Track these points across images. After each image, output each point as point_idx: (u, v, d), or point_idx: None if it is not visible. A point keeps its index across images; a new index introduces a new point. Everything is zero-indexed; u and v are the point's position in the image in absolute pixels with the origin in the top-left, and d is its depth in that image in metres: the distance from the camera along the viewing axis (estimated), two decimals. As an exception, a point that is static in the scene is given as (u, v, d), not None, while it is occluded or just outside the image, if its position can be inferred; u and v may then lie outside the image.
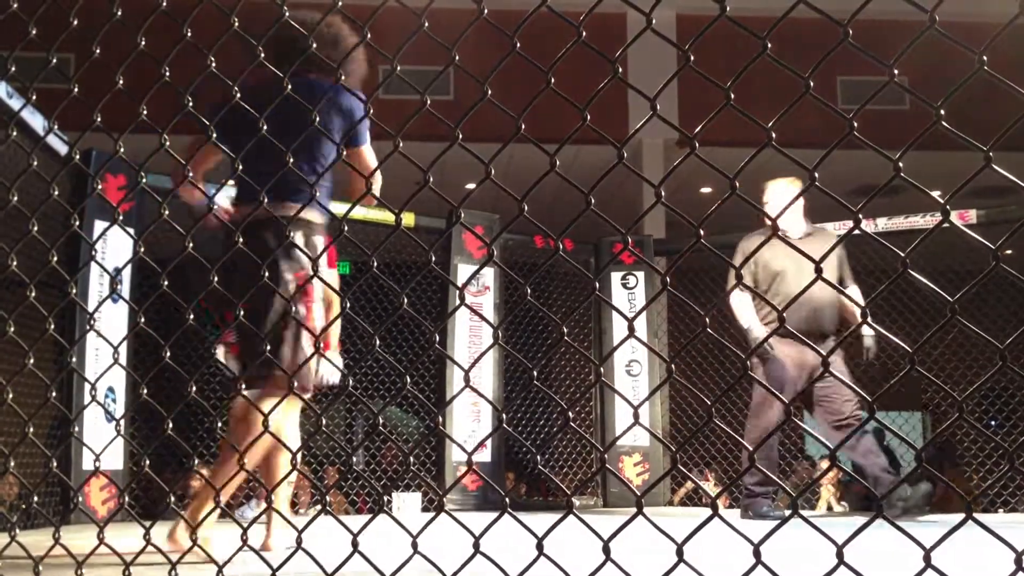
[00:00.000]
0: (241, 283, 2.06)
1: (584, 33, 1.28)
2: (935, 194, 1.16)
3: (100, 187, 4.78)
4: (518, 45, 1.33)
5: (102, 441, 4.74)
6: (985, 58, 1.06)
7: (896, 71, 1.13)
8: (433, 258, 1.44)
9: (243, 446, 2.51)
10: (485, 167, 1.30)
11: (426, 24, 1.42)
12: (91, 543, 1.76)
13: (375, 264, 1.49)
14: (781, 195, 4.77)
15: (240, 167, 2.57)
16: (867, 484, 4.74)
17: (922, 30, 1.09)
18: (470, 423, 6.17)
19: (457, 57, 1.40)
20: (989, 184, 1.13)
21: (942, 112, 1.07)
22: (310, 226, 2.82)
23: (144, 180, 1.80)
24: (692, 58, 1.20)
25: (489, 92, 1.33)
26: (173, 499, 5.53)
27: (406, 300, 1.46)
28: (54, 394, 1.84)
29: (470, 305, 1.45)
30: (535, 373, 1.39)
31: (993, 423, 6.99)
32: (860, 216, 1.11)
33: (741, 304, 4.94)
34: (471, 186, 6.81)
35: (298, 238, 2.74)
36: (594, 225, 1.37)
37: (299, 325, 2.70)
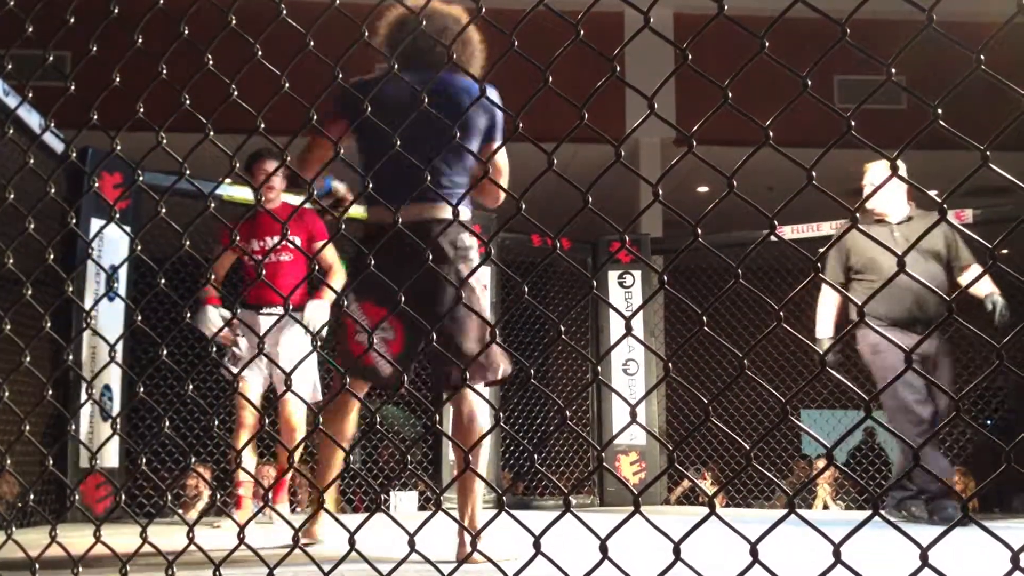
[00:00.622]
0: (415, 284, 2.10)
1: (582, 32, 1.28)
2: (933, 193, 1.16)
3: (96, 185, 4.79)
4: (516, 43, 1.33)
5: (99, 439, 4.73)
6: (983, 57, 1.06)
7: (893, 70, 1.13)
8: (430, 257, 1.44)
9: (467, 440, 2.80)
10: (483, 166, 1.30)
11: (424, 23, 1.41)
12: (88, 541, 1.75)
13: (372, 263, 1.48)
14: (880, 177, 4.42)
15: (365, 164, 2.76)
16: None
17: (920, 29, 1.09)
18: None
19: (455, 55, 1.39)
20: (986, 183, 1.13)
21: (939, 111, 1.07)
22: (465, 225, 2.87)
23: (141, 178, 1.79)
24: (690, 57, 1.20)
25: (488, 92, 1.33)
26: (170, 497, 5.50)
27: (403, 299, 1.46)
28: (50, 392, 1.84)
29: (467, 304, 1.45)
30: (532, 372, 1.39)
31: (989, 422, 7.00)
32: (857, 215, 1.11)
33: (823, 305, 4.81)
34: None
35: (465, 238, 2.79)
36: (592, 224, 1.37)
37: (483, 320, 2.79)
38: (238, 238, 4.31)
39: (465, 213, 2.87)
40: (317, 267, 4.46)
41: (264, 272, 4.22)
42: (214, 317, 4.28)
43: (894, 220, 4.66)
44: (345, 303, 2.81)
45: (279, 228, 4.35)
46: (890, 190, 4.55)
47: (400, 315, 2.48)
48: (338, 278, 4.40)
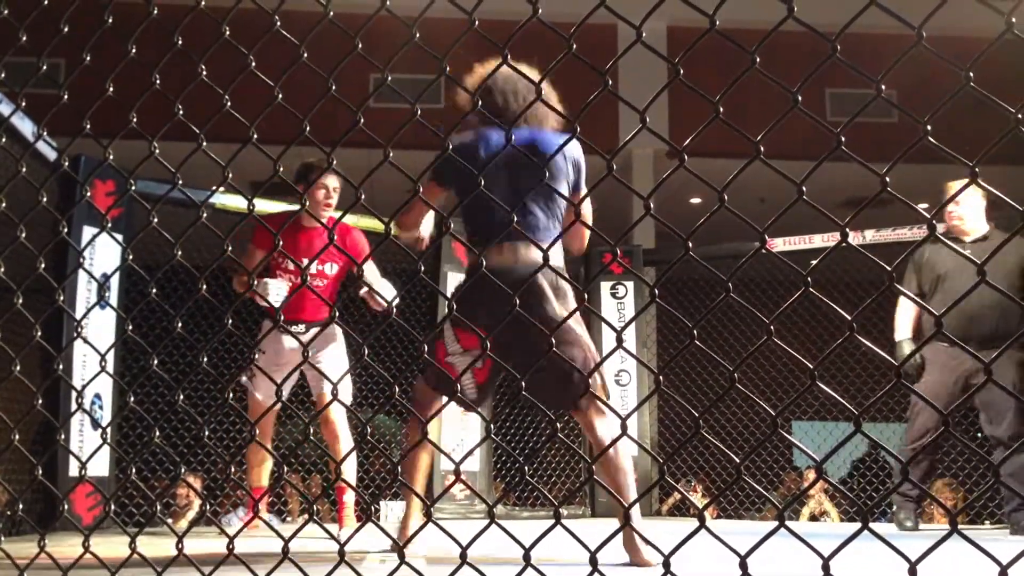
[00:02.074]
0: (515, 319, 2.27)
1: (575, 45, 1.29)
2: (922, 207, 1.17)
3: (88, 193, 4.78)
4: (508, 56, 1.34)
5: (89, 448, 4.71)
6: (972, 74, 1.06)
7: (884, 85, 1.14)
8: (422, 267, 1.44)
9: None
10: (476, 177, 1.31)
11: (417, 35, 1.42)
12: (77, 551, 1.75)
13: (363, 273, 1.48)
14: (965, 199, 4.55)
15: (467, 211, 2.93)
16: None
17: (909, 46, 1.10)
18: (459, 432, 6.15)
19: (448, 68, 1.40)
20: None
21: (929, 128, 1.08)
22: (557, 270, 2.95)
23: (133, 187, 1.79)
24: (682, 71, 1.21)
25: (480, 103, 1.34)
26: (159, 507, 5.46)
27: (395, 309, 1.46)
28: (40, 401, 1.83)
29: (459, 315, 1.45)
30: (523, 384, 1.39)
31: (980, 434, 7.01)
32: (847, 229, 1.12)
33: (900, 313, 4.90)
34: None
35: (561, 280, 2.96)
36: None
37: (585, 349, 2.99)
38: (276, 255, 4.20)
39: (558, 257, 3.08)
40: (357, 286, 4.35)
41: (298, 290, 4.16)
42: (275, 286, 4.15)
43: (970, 239, 4.68)
44: (445, 329, 2.99)
45: (315, 251, 4.22)
46: (971, 208, 4.61)
47: (496, 346, 2.59)
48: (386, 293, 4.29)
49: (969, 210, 4.61)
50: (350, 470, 4.53)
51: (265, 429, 4.32)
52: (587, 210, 3.00)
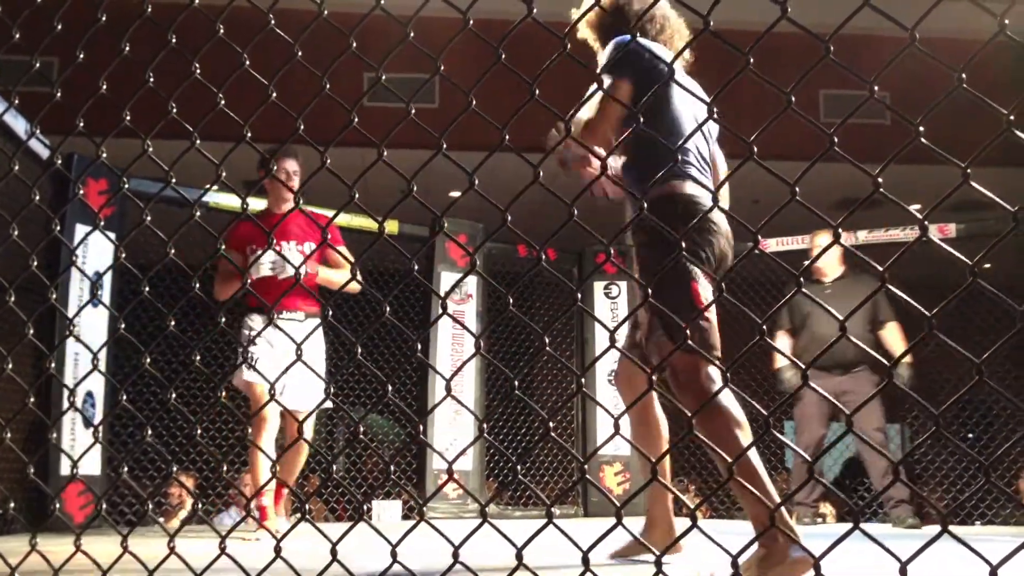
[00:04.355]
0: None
1: (569, 45, 1.29)
2: (915, 208, 1.17)
3: (81, 191, 4.77)
4: (503, 56, 1.34)
5: (81, 447, 4.70)
6: (964, 76, 1.07)
7: (877, 87, 1.14)
8: (416, 266, 1.44)
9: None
10: (469, 177, 1.31)
11: (411, 34, 1.42)
12: (68, 550, 1.74)
13: (357, 271, 1.48)
14: (819, 246, 5.56)
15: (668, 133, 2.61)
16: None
17: (902, 47, 1.11)
18: (452, 431, 6.16)
19: (442, 67, 1.40)
20: (970, 198, 1.14)
21: (921, 129, 1.08)
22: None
23: (126, 185, 1.79)
24: (675, 72, 1.21)
25: (474, 102, 1.34)
26: (151, 506, 5.46)
27: (388, 308, 1.46)
28: (32, 399, 1.83)
29: (452, 314, 1.45)
30: (516, 383, 1.39)
31: (971, 436, 7.03)
32: (840, 231, 1.12)
33: (778, 346, 5.64)
34: (456, 194, 6.81)
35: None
36: (579, 233, 1.38)
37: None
38: (248, 246, 4.23)
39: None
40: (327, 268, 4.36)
41: (275, 279, 4.15)
42: (267, 257, 4.16)
43: (829, 279, 5.68)
44: (692, 274, 2.38)
45: (294, 233, 4.28)
46: (830, 254, 5.55)
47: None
48: (344, 276, 4.29)
49: (828, 256, 5.56)
50: (297, 470, 4.55)
51: (274, 422, 4.19)
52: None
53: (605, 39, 2.81)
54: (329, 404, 4.32)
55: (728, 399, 2.30)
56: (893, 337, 5.42)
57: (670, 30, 2.85)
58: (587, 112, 2.56)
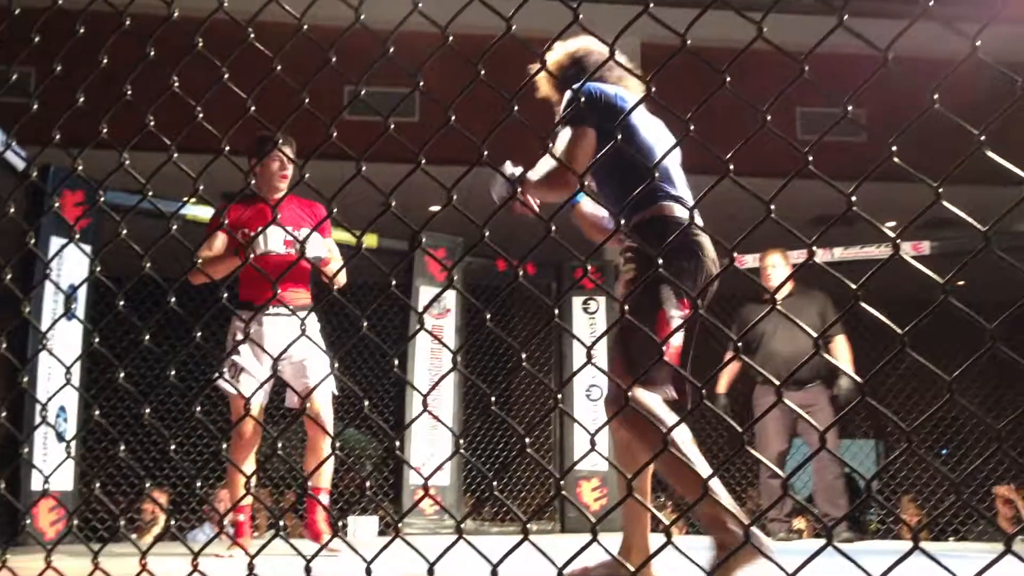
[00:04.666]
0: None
1: (548, 61, 1.30)
2: (890, 225, 1.19)
3: (57, 203, 4.73)
4: (483, 72, 1.34)
5: (53, 462, 4.65)
6: (937, 96, 1.08)
7: (855, 106, 1.16)
8: (393, 281, 1.44)
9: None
10: (447, 192, 1.31)
11: (391, 49, 1.42)
12: (39, 566, 1.72)
13: (335, 287, 1.48)
14: (778, 265, 5.74)
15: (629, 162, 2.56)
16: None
17: (876, 67, 1.12)
18: (429, 446, 6.14)
19: (422, 83, 1.40)
20: (946, 216, 1.16)
21: (894, 148, 1.09)
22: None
23: (102, 198, 1.78)
24: (653, 89, 1.22)
25: (453, 117, 1.34)
26: (123, 522, 5.39)
27: (366, 323, 1.45)
28: (3, 413, 1.81)
29: (429, 330, 1.45)
30: (493, 399, 1.39)
31: (944, 451, 7.09)
32: (814, 248, 1.13)
33: (727, 369, 5.74)
34: (436, 208, 6.82)
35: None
36: (558, 248, 1.38)
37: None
38: (240, 231, 4.03)
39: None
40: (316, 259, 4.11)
41: (269, 269, 3.86)
42: (271, 231, 3.95)
43: (780, 297, 5.55)
44: (663, 297, 2.36)
45: (288, 219, 4.12)
46: (782, 272, 5.71)
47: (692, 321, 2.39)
48: (334, 266, 4.12)
49: (780, 273, 5.68)
50: (328, 472, 4.28)
51: (253, 434, 3.99)
52: None
53: (561, 89, 2.79)
54: (334, 388, 4.17)
55: (663, 412, 2.36)
56: (841, 351, 5.59)
57: (619, 71, 2.82)
58: (545, 166, 2.57)
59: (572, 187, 2.50)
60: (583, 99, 2.57)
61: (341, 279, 4.13)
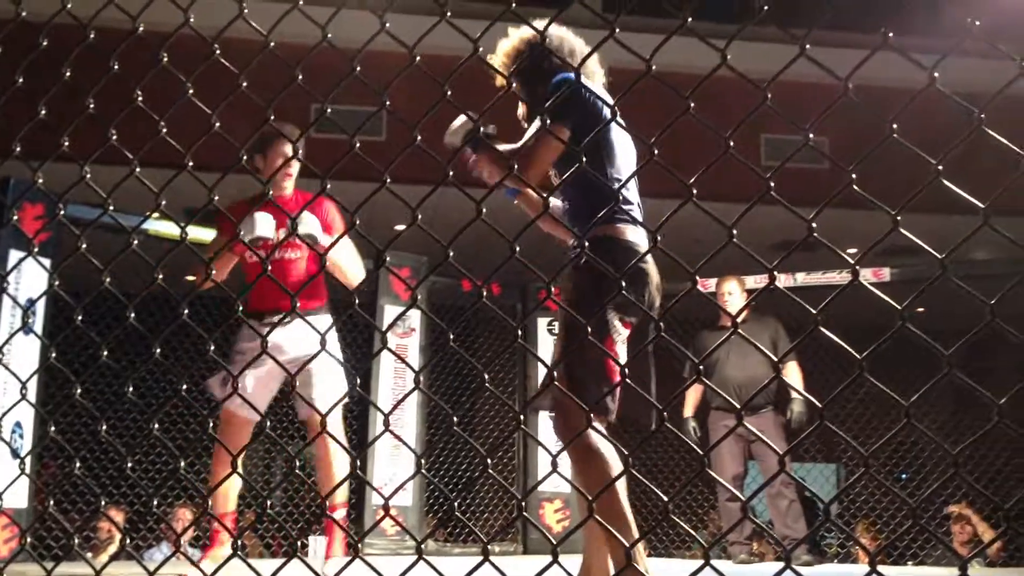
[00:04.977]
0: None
1: (514, 84, 1.30)
2: (852, 251, 1.20)
3: (16, 217, 4.67)
4: (449, 93, 1.35)
5: (7, 478, 4.56)
6: (895, 125, 1.10)
7: (817, 134, 1.17)
8: (357, 300, 1.43)
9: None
10: (412, 212, 1.31)
11: (358, 68, 1.42)
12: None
13: (297, 305, 1.47)
14: (735, 291, 5.78)
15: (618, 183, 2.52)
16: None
17: (836, 97, 1.14)
18: (392, 466, 6.09)
19: (388, 102, 1.41)
20: (906, 243, 1.18)
21: (853, 176, 1.11)
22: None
23: (62, 211, 1.76)
24: (618, 112, 1.23)
25: (419, 138, 1.34)
26: (78, 540, 5.30)
27: (328, 341, 1.45)
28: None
29: (393, 349, 1.44)
30: (456, 419, 1.39)
31: (904, 476, 7.16)
32: (775, 272, 1.14)
33: (689, 393, 5.86)
34: (401, 227, 6.81)
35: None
36: (524, 269, 1.38)
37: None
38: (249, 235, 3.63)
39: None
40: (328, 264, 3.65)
41: (271, 272, 3.49)
42: (261, 217, 3.61)
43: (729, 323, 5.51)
44: (608, 321, 2.37)
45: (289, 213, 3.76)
46: (739, 298, 5.77)
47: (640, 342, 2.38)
48: (354, 271, 3.79)
49: (738, 300, 5.74)
50: (343, 488, 3.97)
51: (240, 445, 3.69)
52: None
53: (528, 77, 2.68)
54: (347, 392, 3.82)
55: (603, 444, 2.33)
56: (793, 377, 5.68)
57: (591, 66, 2.79)
58: (516, 148, 2.55)
59: (532, 181, 2.48)
60: (567, 92, 2.48)
61: (353, 277, 3.76)
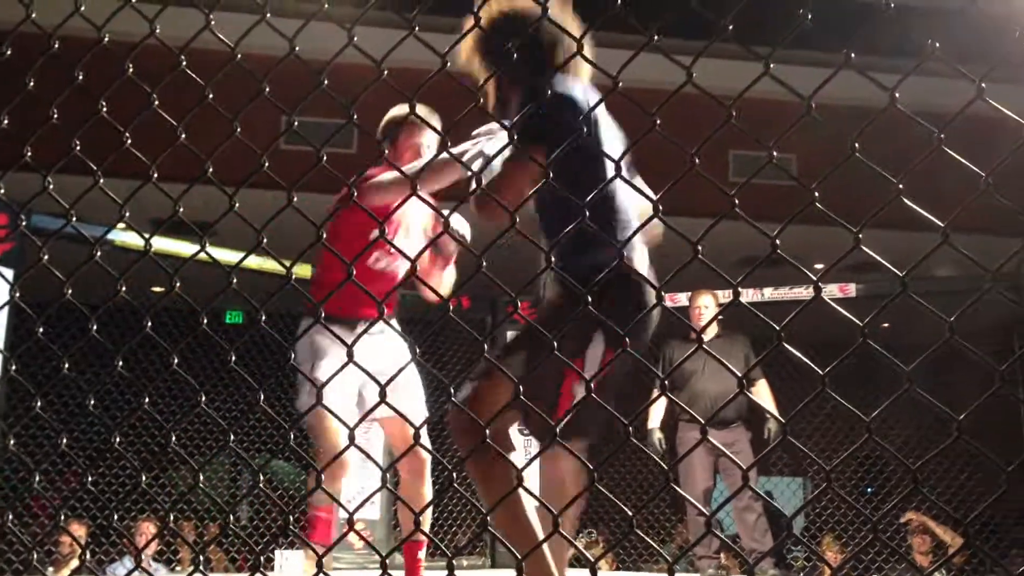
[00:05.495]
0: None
1: (482, 99, 1.31)
2: (818, 267, 1.22)
3: (-22, 226, 4.60)
4: (417, 107, 1.35)
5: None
6: (857, 144, 1.12)
7: (785, 151, 1.19)
8: (323, 312, 1.43)
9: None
10: (379, 225, 1.31)
11: (325, 82, 1.42)
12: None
13: (263, 317, 1.46)
14: (709, 306, 5.81)
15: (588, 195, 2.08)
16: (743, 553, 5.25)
17: (799, 115, 1.15)
18: (359, 479, 6.05)
19: (355, 116, 1.40)
20: (872, 260, 1.19)
21: (816, 193, 1.12)
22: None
23: (24, 222, 1.73)
24: (586, 130, 1.23)
25: (386, 151, 1.34)
26: (37, 555, 5.22)
27: (294, 355, 1.44)
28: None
29: (357, 362, 1.44)
30: (422, 432, 1.38)
31: (869, 490, 7.22)
32: (739, 288, 1.15)
33: (655, 405, 5.83)
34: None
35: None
36: (492, 281, 1.38)
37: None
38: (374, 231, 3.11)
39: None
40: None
41: (375, 279, 3.26)
42: (458, 220, 2.98)
43: (708, 337, 5.83)
44: (592, 341, 2.21)
45: (415, 219, 3.30)
46: (711, 313, 5.81)
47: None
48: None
49: (712, 314, 5.78)
50: (428, 515, 3.73)
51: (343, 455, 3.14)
52: None
53: (497, 60, 2.26)
54: (425, 412, 3.69)
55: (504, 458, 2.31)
56: (763, 395, 5.77)
57: (567, 45, 2.22)
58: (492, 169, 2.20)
59: (498, 211, 2.00)
60: (551, 103, 2.04)
61: (446, 283, 3.31)
